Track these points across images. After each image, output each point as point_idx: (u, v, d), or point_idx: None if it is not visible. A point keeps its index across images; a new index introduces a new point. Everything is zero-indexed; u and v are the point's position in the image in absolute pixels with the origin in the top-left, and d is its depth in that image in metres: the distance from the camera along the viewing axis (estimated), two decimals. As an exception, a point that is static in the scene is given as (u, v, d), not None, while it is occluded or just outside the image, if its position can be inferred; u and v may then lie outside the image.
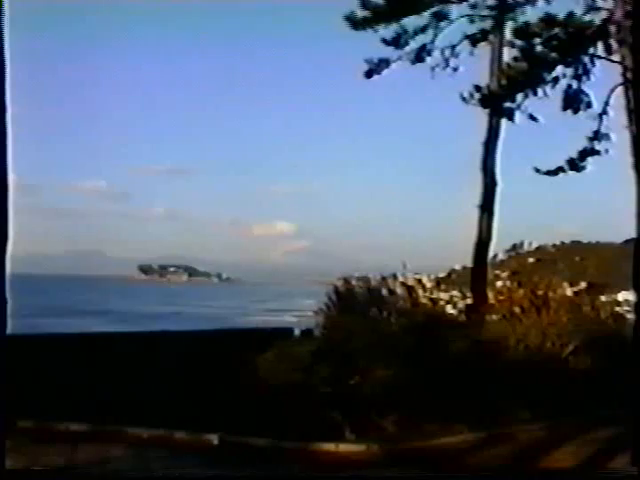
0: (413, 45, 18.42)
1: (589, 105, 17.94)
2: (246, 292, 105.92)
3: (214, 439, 9.57)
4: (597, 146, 17.94)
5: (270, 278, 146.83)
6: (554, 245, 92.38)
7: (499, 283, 17.70)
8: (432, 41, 18.43)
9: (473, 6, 18.30)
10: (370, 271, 14.66)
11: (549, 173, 18.36)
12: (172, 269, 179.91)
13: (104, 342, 13.06)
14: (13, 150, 4.93)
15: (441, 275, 19.30)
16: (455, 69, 18.63)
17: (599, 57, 17.17)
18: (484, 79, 18.28)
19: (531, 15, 17.44)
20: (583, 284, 18.27)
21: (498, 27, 18.23)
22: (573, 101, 17.82)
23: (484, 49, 18.57)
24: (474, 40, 18.48)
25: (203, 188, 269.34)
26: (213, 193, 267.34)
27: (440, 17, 18.16)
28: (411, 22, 18.17)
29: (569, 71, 17.51)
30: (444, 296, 15.72)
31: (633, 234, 8.59)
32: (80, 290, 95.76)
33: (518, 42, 17.39)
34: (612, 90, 17.06)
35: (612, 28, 15.98)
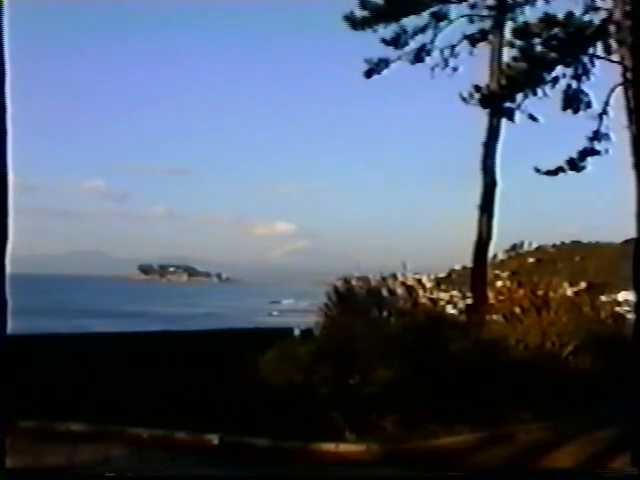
0: (413, 45, 18.48)
1: (589, 105, 17.98)
2: (257, 292, 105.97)
3: (214, 439, 9.57)
4: (597, 146, 18.00)
5: (270, 278, 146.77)
6: (554, 245, 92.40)
7: (499, 283, 17.73)
8: (432, 41, 18.48)
9: (473, 6, 18.33)
10: (370, 271, 14.66)
11: (549, 173, 18.41)
12: (172, 269, 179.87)
13: (104, 342, 13.06)
14: (13, 150, 4.92)
15: (441, 275, 19.36)
16: (455, 69, 18.69)
17: (599, 57, 17.23)
18: (484, 79, 18.31)
19: (531, 15, 17.49)
20: (583, 284, 18.32)
21: (498, 27, 18.26)
22: (573, 101, 17.86)
23: (484, 49, 18.61)
24: (474, 40, 18.51)
25: (203, 188, 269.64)
26: (213, 193, 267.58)
27: (439, 17, 18.19)
28: (411, 22, 18.23)
29: (569, 71, 17.57)
30: (444, 296, 15.74)
31: (633, 234, 8.56)
32: (97, 291, 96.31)
33: (518, 42, 17.43)
34: (612, 90, 17.12)
35: (612, 28, 16.01)
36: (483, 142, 18.40)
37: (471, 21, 18.46)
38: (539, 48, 17.17)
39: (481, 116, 18.36)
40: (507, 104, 17.85)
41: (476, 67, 18.96)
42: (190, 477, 8.49)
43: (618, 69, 16.18)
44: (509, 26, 17.92)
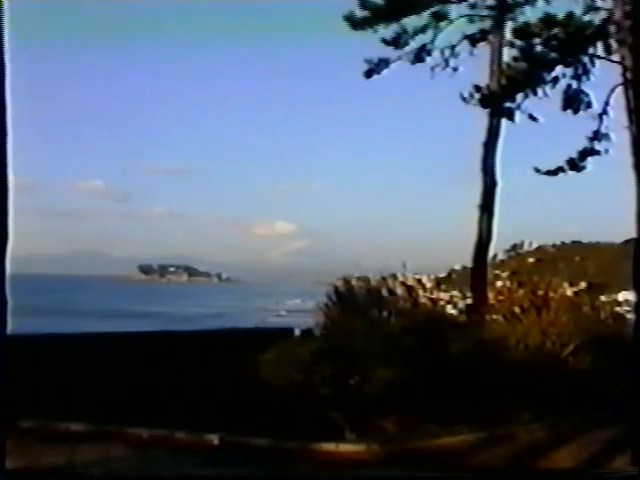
0: (413, 45, 18.47)
1: (589, 105, 17.99)
2: (258, 292, 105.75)
3: (214, 439, 9.57)
4: (597, 146, 18.00)
5: (270, 278, 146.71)
6: (554, 245, 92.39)
7: (499, 283, 17.71)
8: (432, 41, 18.47)
9: (473, 6, 18.32)
10: (370, 271, 14.64)
11: (549, 173, 18.41)
12: (172, 269, 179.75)
13: (104, 342, 13.06)
14: (13, 150, 4.92)
15: (441, 275, 19.32)
16: (455, 69, 18.67)
17: (599, 57, 17.23)
18: (484, 79, 18.31)
19: (531, 15, 17.49)
20: (583, 284, 18.31)
21: (498, 27, 18.25)
22: (573, 101, 17.87)
23: (484, 49, 18.60)
24: (474, 40, 18.50)
25: (203, 188, 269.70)
26: (213, 193, 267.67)
27: (440, 17, 18.18)
28: (411, 22, 18.22)
29: (569, 71, 17.57)
30: (444, 296, 15.71)
31: (633, 234, 8.57)
32: (97, 291, 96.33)
33: (518, 42, 17.44)
34: (612, 90, 17.12)
35: (612, 28, 16.02)
36: (483, 142, 18.39)
37: (471, 21, 18.45)
38: (539, 48, 17.19)
39: (481, 116, 18.38)
40: (507, 104, 17.85)
41: (476, 67, 18.97)
42: (190, 477, 8.50)
43: (618, 69, 16.18)
44: (509, 26, 17.93)
